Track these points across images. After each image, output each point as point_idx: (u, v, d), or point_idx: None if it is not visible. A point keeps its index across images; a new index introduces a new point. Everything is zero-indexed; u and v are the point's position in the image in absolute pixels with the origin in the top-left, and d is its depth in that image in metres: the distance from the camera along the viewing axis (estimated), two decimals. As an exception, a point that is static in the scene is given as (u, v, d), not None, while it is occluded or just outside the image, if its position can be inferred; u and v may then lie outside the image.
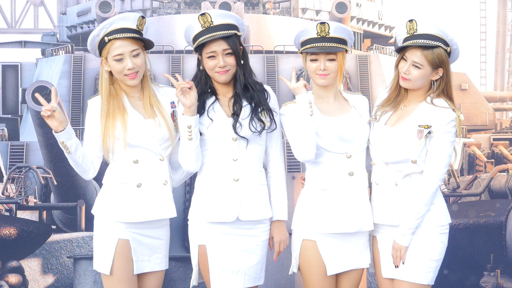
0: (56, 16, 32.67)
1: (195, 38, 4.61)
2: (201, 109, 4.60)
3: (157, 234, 4.75)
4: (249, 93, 4.61)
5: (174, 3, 22.55)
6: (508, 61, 52.87)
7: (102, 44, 4.69)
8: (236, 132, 4.54)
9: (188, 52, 19.33)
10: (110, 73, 4.72)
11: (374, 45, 22.34)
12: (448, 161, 4.45)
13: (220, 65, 4.56)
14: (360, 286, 10.18)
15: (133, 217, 4.65)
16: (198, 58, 4.68)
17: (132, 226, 4.65)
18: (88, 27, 23.65)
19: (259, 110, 4.59)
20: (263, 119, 4.59)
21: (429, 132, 4.44)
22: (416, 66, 4.48)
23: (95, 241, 4.71)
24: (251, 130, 4.56)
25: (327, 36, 4.59)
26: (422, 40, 4.46)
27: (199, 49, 4.63)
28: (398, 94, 4.60)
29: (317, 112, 4.62)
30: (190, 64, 18.96)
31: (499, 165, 13.80)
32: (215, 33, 4.53)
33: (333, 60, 4.62)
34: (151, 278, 4.77)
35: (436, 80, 4.53)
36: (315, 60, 4.62)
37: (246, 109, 4.59)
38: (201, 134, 4.57)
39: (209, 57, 4.58)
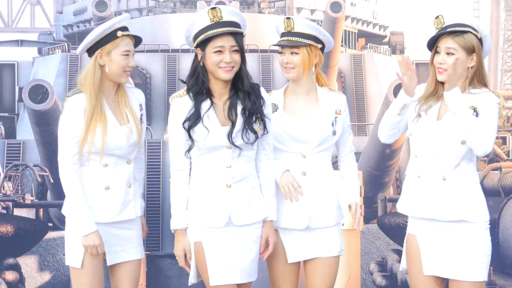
0: (53, 15, 32.63)
1: (200, 32, 4.52)
2: (195, 116, 4.51)
3: (128, 225, 4.80)
4: (246, 95, 4.57)
5: (170, 2, 22.54)
6: (501, 60, 52.91)
7: (109, 38, 4.67)
8: (231, 142, 4.51)
9: (184, 51, 19.32)
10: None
11: (369, 44, 22.35)
12: (495, 132, 4.46)
13: (227, 60, 4.49)
14: (354, 284, 10.21)
15: (101, 218, 4.71)
16: (196, 54, 4.58)
17: (101, 224, 4.71)
18: (85, 26, 23.63)
19: (254, 119, 4.55)
20: (256, 128, 4.55)
21: (475, 111, 4.45)
22: (450, 53, 4.49)
23: (67, 238, 4.74)
24: (244, 141, 4.54)
25: (292, 31, 4.69)
26: (452, 28, 4.50)
27: (202, 44, 4.52)
28: (436, 90, 4.59)
29: (281, 110, 4.71)
30: (185, 63, 18.96)
31: (492, 163, 13.82)
32: (226, 28, 4.48)
33: (297, 54, 4.69)
34: (127, 268, 4.79)
35: (471, 67, 4.53)
36: (282, 53, 4.73)
37: (240, 118, 4.54)
38: (194, 141, 4.53)
39: (215, 52, 4.49)
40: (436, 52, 4.55)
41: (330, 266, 4.75)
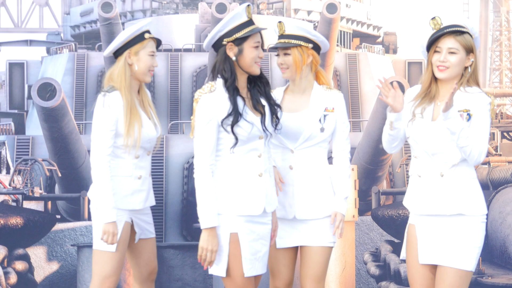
0: (60, 16, 32.60)
1: (240, 27, 4.55)
2: (237, 112, 4.51)
3: (147, 210, 5.10)
4: (266, 86, 4.66)
5: (173, 3, 22.53)
6: (489, 59, 52.91)
7: (137, 39, 4.91)
8: (265, 131, 4.57)
9: (186, 50, 19.33)
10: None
11: (363, 44, 22.36)
12: (487, 140, 4.51)
13: (262, 55, 4.63)
14: (349, 273, 10.23)
15: (136, 205, 4.98)
16: (224, 51, 4.55)
17: (135, 210, 4.99)
18: (91, 26, 23.62)
19: (275, 108, 4.64)
20: (279, 115, 4.66)
21: (468, 115, 4.48)
22: (452, 52, 4.51)
23: (97, 224, 4.95)
24: (274, 128, 4.63)
25: (283, 34, 4.80)
26: (452, 28, 4.52)
27: (240, 40, 4.54)
28: (430, 90, 4.60)
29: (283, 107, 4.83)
30: (187, 62, 18.96)
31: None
32: (263, 27, 4.68)
33: (289, 54, 4.79)
34: (151, 242, 5.09)
35: (470, 66, 4.56)
36: (278, 55, 4.84)
37: (267, 108, 4.62)
38: (237, 135, 4.52)
39: (255, 47, 4.57)
40: (436, 51, 4.56)
41: (319, 256, 4.77)
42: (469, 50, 4.52)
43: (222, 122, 4.49)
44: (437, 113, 4.56)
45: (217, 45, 4.57)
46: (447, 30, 4.51)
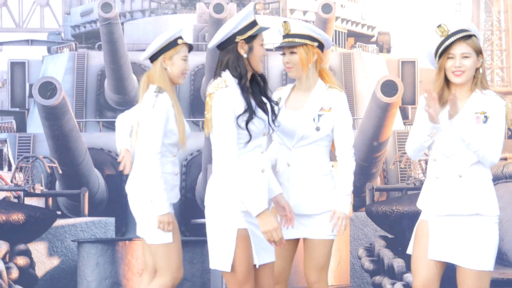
0: (61, 16, 32.53)
1: (252, 25, 4.58)
2: (251, 110, 4.51)
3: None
4: (266, 85, 4.68)
5: (171, 3, 22.51)
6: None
7: (171, 45, 5.11)
8: (271, 127, 4.61)
9: (184, 50, 19.29)
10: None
11: (357, 43, 22.36)
12: (501, 142, 4.55)
13: (265, 54, 4.70)
14: (344, 268, 10.24)
15: (173, 199, 5.21)
16: (234, 48, 4.56)
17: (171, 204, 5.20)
18: (91, 26, 23.59)
19: (274, 105, 4.68)
20: (276, 111, 4.70)
21: (485, 117, 4.52)
22: (466, 57, 4.56)
23: (152, 220, 5.12)
24: (276, 125, 4.66)
25: (289, 33, 4.82)
26: (462, 34, 4.56)
27: (250, 38, 4.56)
28: (442, 95, 4.63)
29: (282, 104, 4.85)
30: (186, 61, 18.93)
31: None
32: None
33: (295, 53, 4.81)
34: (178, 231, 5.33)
35: (480, 67, 4.62)
36: (284, 54, 4.86)
37: (269, 106, 4.63)
38: (250, 131, 4.53)
39: (262, 45, 4.64)
40: (449, 58, 4.59)
41: (320, 247, 4.81)
42: (479, 52, 4.58)
43: (237, 118, 4.48)
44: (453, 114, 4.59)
45: (227, 43, 4.55)
46: (457, 36, 4.56)
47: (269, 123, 4.57)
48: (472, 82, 4.60)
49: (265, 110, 4.56)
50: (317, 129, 4.78)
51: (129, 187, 5.18)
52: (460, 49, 4.54)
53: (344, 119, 4.83)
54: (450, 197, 4.57)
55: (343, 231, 4.83)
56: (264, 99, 4.59)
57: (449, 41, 4.55)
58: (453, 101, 4.42)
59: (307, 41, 4.79)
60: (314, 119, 4.79)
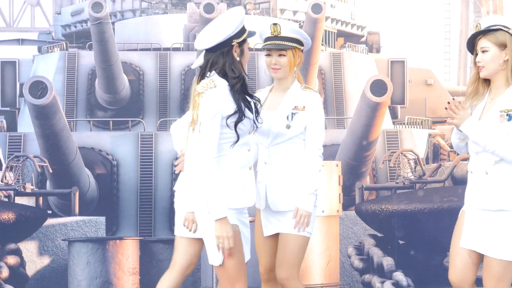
0: (52, 15, 32.50)
1: (244, 28, 4.66)
2: (241, 112, 4.58)
3: None
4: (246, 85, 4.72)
5: (162, 3, 22.48)
6: (470, 58, 52.98)
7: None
8: (255, 124, 4.68)
9: (175, 49, 19.30)
10: None
11: (347, 43, 22.36)
12: None
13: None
14: (333, 266, 10.25)
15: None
16: (230, 49, 4.61)
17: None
18: (82, 26, 23.53)
19: (257, 103, 4.74)
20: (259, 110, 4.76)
21: (508, 115, 4.60)
22: (484, 51, 4.67)
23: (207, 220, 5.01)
24: (260, 122, 4.73)
25: (278, 35, 4.88)
26: (486, 28, 4.69)
27: (242, 41, 4.64)
28: (477, 89, 4.76)
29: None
30: (176, 60, 18.93)
31: (461, 155, 13.85)
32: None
33: (284, 55, 4.90)
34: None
35: (507, 60, 4.68)
36: (269, 55, 4.92)
37: (253, 105, 4.69)
38: (238, 131, 4.59)
39: (248, 48, 4.74)
40: (477, 54, 4.73)
41: (293, 243, 4.88)
42: (503, 45, 4.66)
43: (226, 119, 4.52)
44: (485, 111, 4.70)
45: (221, 45, 4.58)
46: (477, 31, 4.70)
47: (254, 121, 4.63)
48: (505, 80, 4.68)
49: (250, 109, 4.61)
50: (288, 127, 4.86)
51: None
52: (480, 44, 4.69)
53: (316, 119, 4.91)
54: (479, 192, 4.74)
55: (305, 228, 4.88)
56: (248, 98, 4.63)
57: (471, 35, 4.72)
58: (450, 109, 4.59)
59: (297, 45, 4.91)
60: (287, 117, 4.88)
